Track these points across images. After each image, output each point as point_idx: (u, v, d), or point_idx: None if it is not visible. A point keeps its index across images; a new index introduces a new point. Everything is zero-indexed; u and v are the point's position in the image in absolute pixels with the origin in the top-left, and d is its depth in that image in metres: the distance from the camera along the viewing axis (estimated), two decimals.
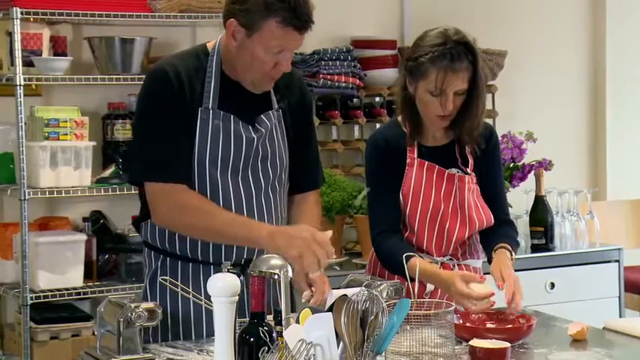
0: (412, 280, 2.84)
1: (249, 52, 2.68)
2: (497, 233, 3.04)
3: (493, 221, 3.04)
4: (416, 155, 3.00)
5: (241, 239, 2.70)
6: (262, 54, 2.68)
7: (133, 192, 2.99)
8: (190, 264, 2.80)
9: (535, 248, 4.70)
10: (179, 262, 2.81)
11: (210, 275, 2.40)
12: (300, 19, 2.64)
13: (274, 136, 2.84)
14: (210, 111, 2.74)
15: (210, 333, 2.72)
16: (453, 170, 3.00)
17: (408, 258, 2.84)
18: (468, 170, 3.01)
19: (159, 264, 2.84)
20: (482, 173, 3.05)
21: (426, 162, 2.99)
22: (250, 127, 2.79)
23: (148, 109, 2.77)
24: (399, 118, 3.04)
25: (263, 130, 2.80)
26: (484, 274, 3.12)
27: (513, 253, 2.98)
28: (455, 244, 3.00)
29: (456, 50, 2.85)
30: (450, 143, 3.03)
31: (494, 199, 3.07)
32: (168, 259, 2.82)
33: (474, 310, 2.77)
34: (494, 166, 3.09)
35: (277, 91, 2.86)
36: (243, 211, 2.78)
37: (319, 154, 3.04)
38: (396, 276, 2.94)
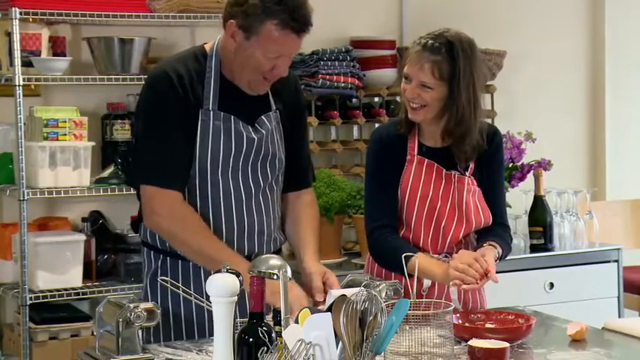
0: (410, 276, 2.83)
1: (248, 54, 2.69)
2: (492, 232, 3.02)
3: (491, 222, 3.02)
4: (416, 152, 2.99)
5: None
6: (260, 57, 2.68)
7: (132, 192, 2.99)
8: (190, 263, 2.80)
9: (534, 248, 4.69)
10: (179, 261, 2.81)
11: (210, 275, 2.39)
12: (299, 22, 2.64)
13: (274, 137, 2.84)
14: (211, 112, 2.75)
15: (212, 333, 2.72)
16: (452, 171, 2.99)
17: (407, 258, 2.83)
18: (467, 174, 2.99)
19: (159, 263, 2.84)
20: (482, 175, 3.03)
21: (426, 160, 2.98)
22: (250, 128, 2.79)
23: (150, 112, 2.78)
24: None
25: (264, 132, 2.81)
26: None
27: (499, 254, 2.94)
28: (450, 242, 2.98)
29: (436, 42, 2.85)
30: (450, 146, 3.01)
31: (492, 204, 3.03)
32: (168, 258, 2.83)
33: (468, 287, 2.75)
34: (496, 169, 3.05)
35: (274, 92, 2.86)
36: (243, 210, 2.79)
37: (310, 153, 3.06)
38: (393, 274, 2.95)
